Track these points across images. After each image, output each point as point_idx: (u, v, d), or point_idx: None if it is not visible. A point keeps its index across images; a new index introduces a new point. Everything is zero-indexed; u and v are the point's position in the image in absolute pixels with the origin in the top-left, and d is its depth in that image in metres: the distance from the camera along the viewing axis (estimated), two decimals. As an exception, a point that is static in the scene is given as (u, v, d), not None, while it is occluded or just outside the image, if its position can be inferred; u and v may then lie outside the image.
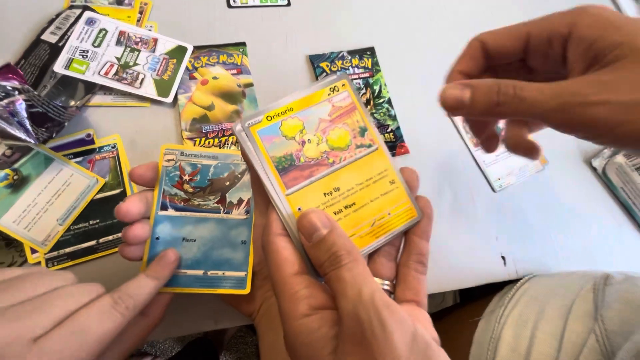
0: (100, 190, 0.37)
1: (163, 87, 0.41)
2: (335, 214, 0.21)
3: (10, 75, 0.33)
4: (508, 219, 0.43)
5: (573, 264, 0.43)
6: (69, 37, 0.40)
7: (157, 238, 0.27)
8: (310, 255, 0.20)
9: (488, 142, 0.28)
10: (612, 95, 0.18)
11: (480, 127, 0.29)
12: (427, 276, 0.23)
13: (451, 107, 0.22)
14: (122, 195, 0.37)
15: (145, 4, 0.45)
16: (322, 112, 0.22)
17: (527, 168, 0.46)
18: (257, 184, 0.27)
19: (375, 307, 0.17)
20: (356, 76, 0.46)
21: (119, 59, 0.41)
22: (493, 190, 0.44)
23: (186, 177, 0.27)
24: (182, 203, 0.27)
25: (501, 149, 0.29)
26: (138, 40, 0.42)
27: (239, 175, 0.28)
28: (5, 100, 0.31)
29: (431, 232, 0.23)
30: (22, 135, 0.32)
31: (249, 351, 1.07)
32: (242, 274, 0.28)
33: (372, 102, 0.45)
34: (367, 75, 0.47)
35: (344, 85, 0.23)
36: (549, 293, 0.36)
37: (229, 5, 0.47)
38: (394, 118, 0.45)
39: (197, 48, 0.44)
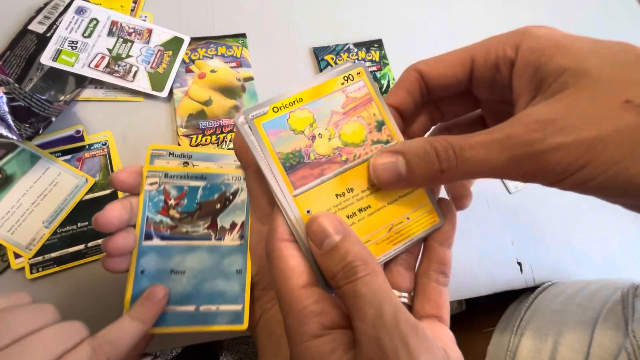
0: (90, 191, 0.34)
1: (157, 80, 0.38)
2: (348, 217, 0.19)
3: (-9, 67, 0.31)
4: (524, 223, 0.41)
5: (594, 272, 0.40)
6: (57, 27, 0.38)
7: (142, 272, 0.24)
8: (321, 265, 0.18)
9: (457, 197, 0.24)
10: (565, 135, 0.15)
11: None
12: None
13: (388, 183, 0.19)
14: (113, 196, 0.35)
15: (140, -7, 0.42)
16: (335, 104, 0.20)
17: (545, 168, 0.43)
18: (254, 185, 0.25)
19: (400, 331, 0.15)
20: (363, 70, 0.44)
21: (110, 51, 0.38)
22: (508, 192, 0.42)
23: (172, 202, 0.24)
24: (169, 231, 0.24)
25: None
26: (131, 30, 0.40)
27: (231, 197, 0.25)
28: (-15, 94, 0.29)
29: (454, 239, 0.21)
30: (4, 131, 0.30)
31: (250, 351, 1.05)
32: (238, 307, 0.25)
33: (379, 98, 0.43)
34: (374, 68, 0.44)
35: (359, 74, 0.21)
36: (571, 303, 0.34)
37: (229, -5, 0.45)
38: (403, 114, 0.42)
39: (194, 39, 0.41)
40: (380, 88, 0.43)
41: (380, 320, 0.15)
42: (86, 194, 0.34)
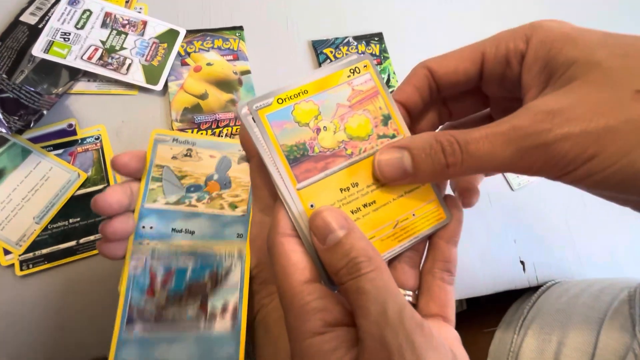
0: (82, 186, 0.34)
1: (152, 73, 0.37)
2: (352, 212, 0.19)
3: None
4: (527, 221, 0.40)
5: (599, 271, 0.39)
6: (49, 18, 0.37)
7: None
8: (324, 260, 0.17)
9: (464, 194, 0.23)
10: (572, 125, 0.15)
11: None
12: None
13: (393, 179, 0.19)
14: (106, 192, 0.34)
15: (135, -16, 0.41)
16: (341, 97, 0.20)
17: (548, 165, 0.42)
18: (257, 176, 0.24)
19: (405, 329, 0.14)
20: (363, 64, 0.43)
21: (104, 43, 0.37)
22: (511, 188, 0.41)
23: (158, 283, 0.23)
24: (154, 318, 0.22)
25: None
26: (125, 22, 0.39)
27: (223, 274, 0.24)
28: (-28, 85, 0.28)
29: (460, 236, 0.20)
30: (-8, 124, 0.29)
31: (249, 350, 1.05)
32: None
33: (379, 92, 0.42)
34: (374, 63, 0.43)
35: (365, 66, 0.20)
36: (575, 303, 0.33)
37: (226, -13, 0.44)
38: (403, 109, 0.41)
39: (190, 32, 0.40)
40: (381, 82, 0.42)
41: (384, 318, 0.14)
42: (78, 189, 0.33)
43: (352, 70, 0.20)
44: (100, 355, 0.30)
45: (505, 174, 0.41)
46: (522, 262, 0.38)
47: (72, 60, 0.36)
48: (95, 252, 0.32)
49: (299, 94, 0.19)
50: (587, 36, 0.17)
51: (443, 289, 0.20)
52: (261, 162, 0.18)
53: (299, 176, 0.18)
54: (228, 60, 0.40)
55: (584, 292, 0.34)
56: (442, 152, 0.17)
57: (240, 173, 0.26)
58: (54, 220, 0.32)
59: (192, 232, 0.24)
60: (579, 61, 0.16)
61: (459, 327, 0.46)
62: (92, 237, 0.32)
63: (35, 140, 0.34)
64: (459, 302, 0.50)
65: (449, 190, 0.24)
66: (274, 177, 0.18)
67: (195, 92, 0.38)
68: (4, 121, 0.29)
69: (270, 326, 0.27)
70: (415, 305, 0.20)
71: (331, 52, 0.42)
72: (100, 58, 0.37)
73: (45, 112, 0.33)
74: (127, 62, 0.37)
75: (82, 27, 0.37)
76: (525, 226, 0.39)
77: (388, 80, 0.43)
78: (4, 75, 0.29)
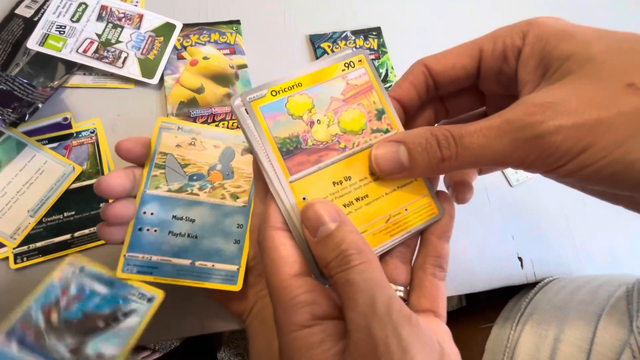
0: (77, 179, 0.33)
1: (148, 67, 0.37)
2: (345, 206, 0.19)
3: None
4: (526, 217, 0.39)
5: (598, 267, 0.39)
6: (45, 11, 0.37)
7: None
8: (315, 253, 0.17)
9: (458, 190, 0.23)
10: (565, 118, 0.15)
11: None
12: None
13: (389, 172, 0.19)
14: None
15: (131, -23, 0.41)
16: (335, 90, 0.20)
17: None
18: (257, 167, 0.25)
19: (392, 321, 0.14)
20: (360, 58, 0.42)
21: (99, 36, 0.37)
22: (510, 185, 0.40)
23: (64, 302, 0.21)
24: (33, 340, 0.20)
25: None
26: (121, 15, 0.38)
27: (121, 316, 0.22)
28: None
29: (452, 232, 0.20)
30: (-14, 116, 0.29)
31: (249, 347, 1.05)
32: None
33: (377, 87, 0.42)
34: (372, 57, 0.43)
35: (360, 61, 0.20)
36: (572, 299, 0.33)
37: (223, -20, 0.44)
38: (401, 104, 0.41)
39: (186, 26, 0.40)
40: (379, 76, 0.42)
41: (372, 309, 0.14)
42: (73, 182, 0.33)
43: (346, 64, 0.20)
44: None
45: (503, 169, 0.41)
46: (520, 259, 0.38)
47: (68, 53, 0.36)
48: (89, 245, 0.32)
49: (293, 86, 0.19)
50: (583, 32, 0.17)
51: (434, 284, 0.20)
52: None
53: (291, 169, 0.18)
54: (225, 54, 0.39)
55: (582, 288, 0.34)
56: (437, 145, 0.17)
57: (243, 164, 0.26)
58: (48, 213, 0.32)
59: (193, 220, 0.24)
60: (574, 56, 0.16)
61: (456, 322, 0.46)
62: (86, 231, 0.32)
63: (30, 133, 0.34)
64: (459, 299, 0.50)
65: (442, 187, 0.24)
66: (266, 170, 0.18)
67: (191, 86, 0.38)
68: (-3, 113, 0.29)
69: (266, 318, 0.27)
70: (406, 300, 0.20)
71: (329, 46, 0.42)
72: (96, 51, 0.36)
73: (40, 105, 0.33)
74: (123, 55, 0.37)
75: (78, 20, 0.37)
76: (523, 222, 0.39)
77: (386, 75, 0.42)
78: (-3, 67, 0.29)
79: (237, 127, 0.37)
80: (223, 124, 0.37)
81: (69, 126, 0.35)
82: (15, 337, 0.21)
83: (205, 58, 0.39)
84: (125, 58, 0.37)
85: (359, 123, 0.20)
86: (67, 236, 0.32)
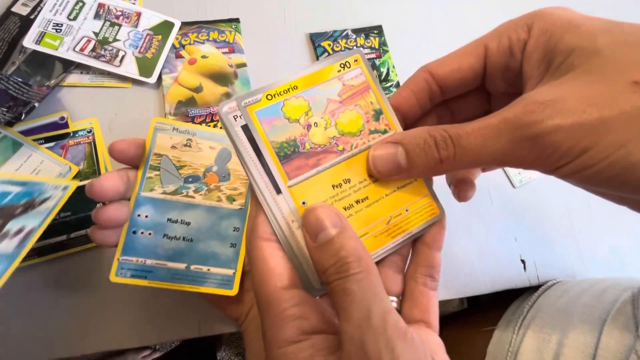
0: (73, 179, 0.33)
1: (146, 65, 0.37)
2: (345, 209, 0.19)
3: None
4: (529, 219, 0.39)
5: (602, 270, 0.38)
6: (41, 9, 0.36)
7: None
8: (313, 258, 0.17)
9: (460, 187, 0.23)
10: (565, 117, 0.14)
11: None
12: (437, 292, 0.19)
13: (387, 174, 0.19)
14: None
15: (129, -25, 0.41)
16: (331, 92, 0.19)
17: (551, 161, 0.41)
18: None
19: (387, 336, 0.13)
20: (361, 57, 0.42)
21: (96, 34, 0.37)
22: (513, 185, 0.40)
23: None
24: None
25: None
26: (119, 13, 0.38)
27: (37, 204, 0.23)
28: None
29: (443, 240, 0.20)
30: (-20, 116, 0.28)
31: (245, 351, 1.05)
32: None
33: (378, 86, 0.41)
34: (373, 56, 0.42)
35: (356, 61, 0.20)
36: (576, 303, 0.32)
37: (222, -22, 0.43)
38: (402, 104, 0.40)
39: (185, 24, 0.40)
40: (380, 76, 0.41)
41: (367, 322, 0.14)
42: (69, 182, 0.33)
43: (342, 65, 0.20)
44: (91, 351, 0.29)
45: (506, 170, 0.40)
46: (522, 261, 0.37)
47: (64, 51, 0.35)
48: (85, 246, 0.31)
49: (288, 89, 0.19)
50: (590, 23, 0.16)
51: (425, 294, 0.19)
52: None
53: (290, 173, 0.18)
54: (223, 53, 0.39)
55: (586, 291, 0.33)
56: (435, 146, 0.17)
57: (240, 166, 0.25)
58: (44, 214, 0.32)
59: (188, 223, 0.24)
60: (578, 49, 0.16)
61: (457, 324, 0.45)
62: (83, 232, 0.32)
63: (26, 133, 0.34)
64: (460, 300, 0.49)
65: (444, 185, 0.23)
66: (255, 178, 0.18)
67: (189, 85, 0.37)
68: (-8, 113, 0.29)
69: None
70: (399, 310, 0.20)
71: (329, 45, 0.42)
72: (93, 50, 0.36)
73: (36, 104, 0.33)
74: (121, 54, 0.37)
75: (75, 18, 0.37)
76: (526, 224, 0.39)
77: (387, 74, 0.42)
78: (-8, 66, 0.28)
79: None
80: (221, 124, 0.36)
81: (66, 126, 0.35)
82: None
83: (203, 57, 0.38)
84: (123, 57, 0.36)
85: (356, 124, 0.20)
86: (63, 237, 0.31)
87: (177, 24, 0.39)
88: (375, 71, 0.42)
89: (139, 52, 0.37)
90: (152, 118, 0.36)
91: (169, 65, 0.38)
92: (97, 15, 0.37)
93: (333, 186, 0.18)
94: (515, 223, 0.38)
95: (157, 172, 0.24)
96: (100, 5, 0.38)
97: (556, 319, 0.32)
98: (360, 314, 0.14)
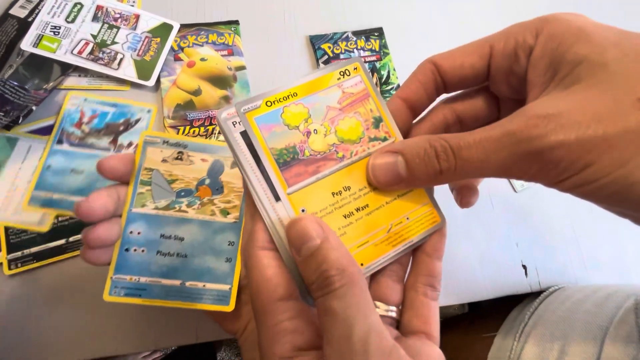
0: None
1: (144, 68, 0.37)
2: (345, 217, 0.18)
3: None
4: (530, 224, 0.38)
5: (605, 276, 0.38)
6: (39, 11, 0.36)
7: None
8: (301, 272, 0.16)
9: (463, 193, 0.22)
10: (568, 132, 0.14)
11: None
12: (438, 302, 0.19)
13: (387, 184, 0.18)
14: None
15: (128, -23, 0.40)
16: (331, 99, 0.19)
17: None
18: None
19: (368, 359, 0.13)
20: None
21: (95, 37, 0.36)
22: (514, 190, 0.39)
23: (85, 119, 0.32)
24: (78, 140, 0.32)
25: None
26: (117, 16, 0.38)
27: (134, 122, 0.33)
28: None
29: (444, 249, 0.19)
30: (-23, 120, 0.28)
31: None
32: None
33: (379, 89, 0.41)
34: (374, 58, 0.42)
35: (356, 69, 0.20)
36: (578, 309, 0.32)
37: (222, -21, 0.43)
38: (403, 107, 0.40)
39: (184, 26, 0.39)
40: (380, 79, 0.41)
41: (347, 345, 0.13)
42: (67, 187, 0.33)
43: (342, 73, 0.20)
44: (91, 356, 0.29)
45: (508, 174, 0.40)
46: (524, 266, 0.37)
47: (62, 54, 0.35)
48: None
49: (288, 96, 0.19)
50: (602, 33, 0.16)
51: (426, 304, 0.19)
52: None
53: (289, 180, 0.18)
54: (223, 56, 0.39)
55: (588, 298, 0.33)
56: (435, 157, 0.17)
57: (233, 178, 0.25)
58: (42, 218, 0.32)
59: (182, 239, 0.23)
60: (586, 60, 0.15)
61: (458, 329, 0.44)
62: (81, 236, 0.31)
63: (24, 136, 0.34)
64: (461, 305, 0.49)
65: (445, 189, 0.23)
66: (254, 185, 0.17)
67: (188, 88, 0.37)
68: (-11, 117, 0.29)
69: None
70: (398, 321, 0.19)
71: (329, 47, 0.41)
72: (91, 52, 0.36)
73: (34, 107, 0.33)
74: (119, 56, 0.36)
75: (73, 21, 0.36)
76: (528, 229, 0.38)
77: (388, 77, 0.41)
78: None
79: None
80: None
81: (64, 129, 0.34)
82: (63, 141, 0.32)
83: (202, 59, 0.38)
84: (121, 59, 0.36)
85: (356, 132, 0.19)
86: (62, 241, 0.31)
87: (176, 27, 0.39)
88: (375, 74, 0.41)
89: (138, 54, 0.37)
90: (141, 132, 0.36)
91: (168, 68, 0.37)
92: (95, 18, 0.37)
93: (333, 193, 0.18)
94: (516, 228, 0.38)
95: (149, 187, 0.23)
96: (99, 8, 0.37)
97: (558, 327, 0.31)
98: (341, 337, 0.14)
